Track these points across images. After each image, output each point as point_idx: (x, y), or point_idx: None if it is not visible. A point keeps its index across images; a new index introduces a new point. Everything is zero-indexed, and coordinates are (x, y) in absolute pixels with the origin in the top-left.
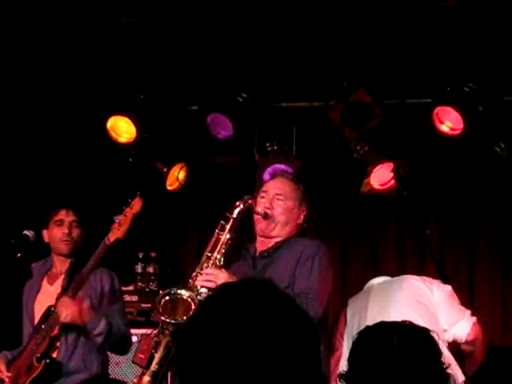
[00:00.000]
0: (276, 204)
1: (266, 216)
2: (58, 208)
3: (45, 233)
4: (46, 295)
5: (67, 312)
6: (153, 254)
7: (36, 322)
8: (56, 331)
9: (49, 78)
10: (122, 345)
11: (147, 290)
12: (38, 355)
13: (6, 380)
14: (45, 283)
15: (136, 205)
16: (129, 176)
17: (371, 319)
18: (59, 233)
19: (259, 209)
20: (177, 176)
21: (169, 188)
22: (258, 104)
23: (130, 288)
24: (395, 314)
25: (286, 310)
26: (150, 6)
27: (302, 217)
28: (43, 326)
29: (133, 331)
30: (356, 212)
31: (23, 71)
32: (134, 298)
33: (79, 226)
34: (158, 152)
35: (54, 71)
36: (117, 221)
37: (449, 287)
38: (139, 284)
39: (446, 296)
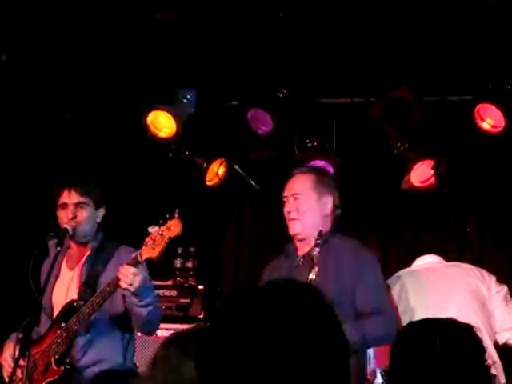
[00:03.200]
0: (296, 204)
1: (292, 220)
2: (60, 188)
3: (57, 214)
4: (64, 282)
5: (132, 281)
6: (192, 249)
7: (54, 311)
8: (77, 327)
9: (91, 72)
10: (155, 323)
11: (186, 285)
12: (57, 357)
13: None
14: (64, 268)
15: (175, 228)
16: (168, 171)
17: (424, 307)
18: (64, 217)
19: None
20: (216, 171)
21: (208, 183)
22: (298, 100)
23: (169, 283)
24: (453, 311)
25: (325, 319)
26: (189, 1)
27: (328, 206)
28: (63, 325)
29: (171, 326)
30: (396, 209)
31: (66, 65)
32: (173, 293)
33: (88, 205)
34: (198, 147)
35: (97, 65)
36: (152, 237)
37: (505, 288)
38: (178, 279)
39: (502, 297)
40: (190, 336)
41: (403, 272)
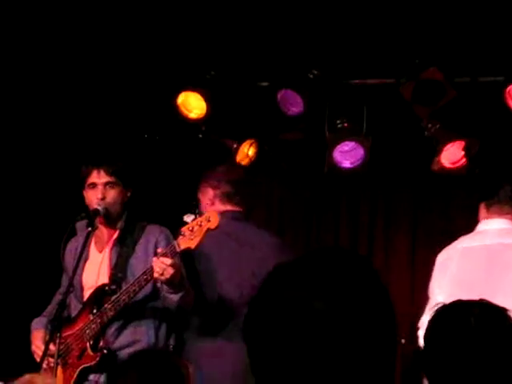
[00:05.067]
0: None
1: None
2: (88, 168)
3: (84, 194)
4: (93, 263)
5: (168, 272)
6: None
7: (84, 293)
8: (112, 313)
9: (122, 54)
10: (188, 305)
11: None
12: (92, 342)
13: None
14: (93, 249)
15: (214, 220)
16: (199, 152)
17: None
18: (93, 197)
19: None
20: (247, 152)
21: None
22: (328, 81)
23: None
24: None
25: (375, 288)
26: None
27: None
28: (95, 309)
29: None
30: (427, 190)
31: (98, 48)
32: None
33: (117, 185)
34: (228, 128)
35: (126, 47)
36: (189, 228)
37: None
38: None
39: None
40: None
41: (460, 247)
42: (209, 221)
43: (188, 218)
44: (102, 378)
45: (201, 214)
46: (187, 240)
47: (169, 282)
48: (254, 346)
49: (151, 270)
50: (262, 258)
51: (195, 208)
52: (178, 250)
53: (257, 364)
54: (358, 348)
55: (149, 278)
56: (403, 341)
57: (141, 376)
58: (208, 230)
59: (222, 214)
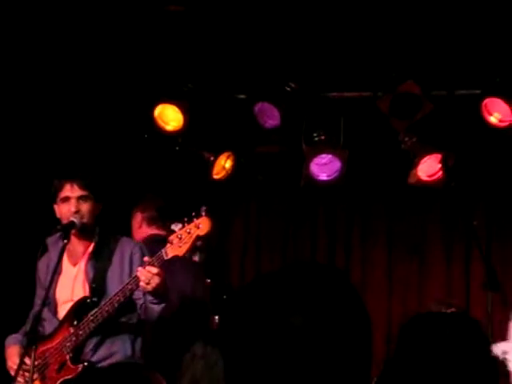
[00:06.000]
0: None
1: None
2: (61, 181)
3: (55, 207)
4: (68, 278)
5: (155, 281)
6: (199, 243)
7: (58, 307)
8: (94, 324)
9: (99, 65)
10: (164, 316)
11: None
12: (72, 355)
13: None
14: (66, 263)
15: (204, 226)
16: (175, 164)
17: None
18: (66, 211)
19: None
20: (223, 165)
21: (215, 177)
22: (305, 93)
23: None
24: None
25: (350, 299)
26: None
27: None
28: (75, 322)
29: None
30: (403, 203)
31: (74, 56)
32: None
33: (90, 199)
34: (205, 141)
35: (104, 59)
36: (178, 236)
37: None
38: None
39: None
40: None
41: None
42: (198, 228)
43: (176, 226)
44: None
45: (190, 223)
46: (175, 248)
47: (154, 292)
48: (230, 359)
49: (136, 279)
50: (182, 281)
51: (184, 217)
52: (165, 257)
53: (233, 378)
54: (334, 360)
55: (134, 287)
56: None
57: None
58: (197, 236)
59: (148, 237)
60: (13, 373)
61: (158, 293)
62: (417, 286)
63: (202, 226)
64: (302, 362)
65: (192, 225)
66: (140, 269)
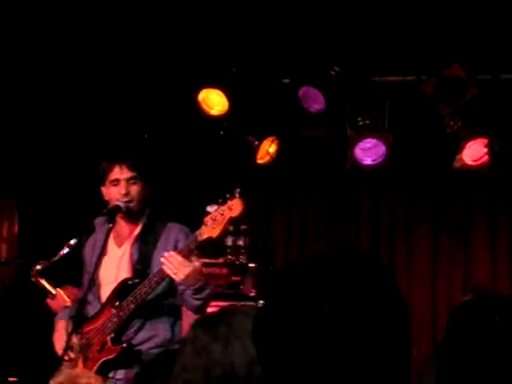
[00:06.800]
0: None
1: None
2: (110, 163)
3: (103, 190)
4: (113, 259)
5: (185, 272)
6: (243, 227)
7: (101, 288)
8: (134, 306)
9: (143, 49)
10: (205, 309)
11: (237, 263)
12: (113, 335)
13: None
14: (111, 244)
15: (236, 208)
16: (220, 149)
17: None
18: (116, 193)
19: None
20: (268, 149)
21: (260, 161)
22: (350, 78)
23: (220, 261)
24: None
25: (385, 288)
26: None
27: None
28: (118, 303)
29: (222, 303)
30: (448, 187)
31: (121, 45)
32: (224, 271)
33: (139, 180)
34: (250, 125)
35: (149, 42)
36: (212, 217)
37: None
38: (229, 257)
39: None
40: (217, 318)
41: None
42: (231, 209)
43: (211, 208)
44: (119, 373)
45: (223, 204)
46: (209, 229)
47: (185, 283)
48: (264, 350)
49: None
50: None
51: (219, 198)
52: (200, 239)
53: (268, 369)
54: (365, 353)
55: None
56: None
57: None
58: (230, 218)
59: None
60: (57, 348)
61: (188, 283)
62: (462, 271)
63: (234, 207)
64: (330, 351)
65: (225, 206)
66: (165, 254)
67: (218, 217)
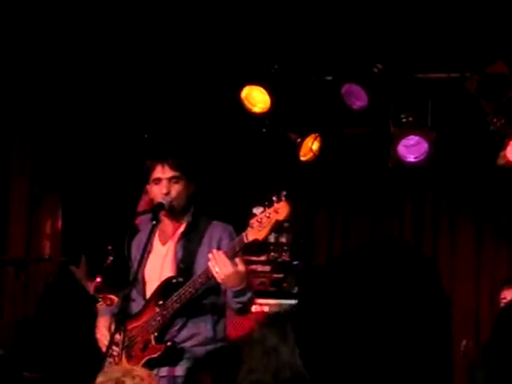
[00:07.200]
0: None
1: None
2: (153, 162)
3: (148, 188)
4: (158, 257)
5: (226, 272)
6: (286, 224)
7: (146, 286)
8: (178, 305)
9: (186, 50)
10: (247, 312)
11: (280, 260)
12: (157, 334)
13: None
14: (156, 242)
15: (283, 211)
16: (263, 146)
17: None
18: (158, 192)
19: None
20: (310, 146)
21: (302, 158)
22: (393, 75)
23: (263, 258)
24: None
25: (426, 280)
26: None
27: None
28: (161, 302)
29: (265, 301)
30: (492, 184)
31: (163, 44)
32: (267, 268)
33: (182, 179)
34: (292, 122)
35: (192, 41)
36: (258, 219)
37: None
38: (272, 254)
39: None
40: (287, 318)
41: None
42: (277, 212)
43: (257, 210)
44: (163, 371)
45: (270, 207)
46: (255, 231)
47: (226, 284)
48: (305, 343)
49: None
50: None
51: (265, 200)
52: (245, 241)
53: (309, 361)
54: (406, 347)
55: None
56: (464, 342)
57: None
58: (276, 221)
59: None
60: (101, 345)
61: (229, 285)
62: (506, 270)
63: (280, 210)
64: (370, 343)
65: (272, 209)
66: (213, 252)
67: (264, 219)
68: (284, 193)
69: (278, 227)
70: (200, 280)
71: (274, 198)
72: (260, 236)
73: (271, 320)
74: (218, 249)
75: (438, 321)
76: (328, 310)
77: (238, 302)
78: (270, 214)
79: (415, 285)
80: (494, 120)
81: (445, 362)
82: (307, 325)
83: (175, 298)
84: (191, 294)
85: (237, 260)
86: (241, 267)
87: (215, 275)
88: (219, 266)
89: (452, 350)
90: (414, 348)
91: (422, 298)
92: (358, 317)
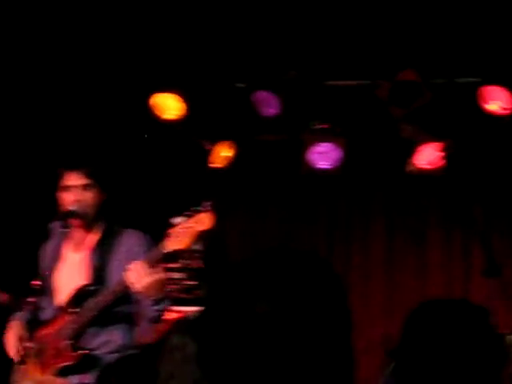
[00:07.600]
0: None
1: None
2: (63, 170)
3: (57, 195)
4: (70, 265)
5: (143, 282)
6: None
7: (57, 294)
8: (95, 313)
9: (97, 56)
10: (158, 321)
11: (192, 267)
12: (72, 342)
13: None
14: (68, 250)
15: (207, 222)
16: (174, 153)
17: None
18: (67, 199)
19: None
20: (221, 154)
21: (212, 165)
22: (305, 82)
23: (176, 265)
24: None
25: (324, 286)
26: None
27: None
28: (75, 309)
29: (178, 308)
30: (401, 191)
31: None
32: (180, 275)
33: (91, 188)
34: (204, 129)
35: (102, 48)
36: (178, 229)
37: None
38: (184, 261)
39: None
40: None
41: None
42: (200, 223)
43: (176, 220)
44: (74, 378)
45: (191, 217)
46: (174, 242)
47: (143, 293)
48: (204, 350)
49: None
50: None
51: (185, 210)
52: (163, 251)
53: (208, 368)
54: (304, 351)
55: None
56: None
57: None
58: (199, 231)
59: None
60: (9, 350)
61: (149, 294)
62: (416, 274)
63: (203, 221)
64: (269, 352)
65: (193, 220)
66: (133, 263)
67: (185, 230)
68: (207, 203)
69: (203, 237)
70: (118, 288)
71: (196, 208)
72: (181, 246)
73: (190, 327)
74: (133, 257)
75: (335, 322)
76: (222, 319)
77: (157, 310)
78: (191, 224)
79: (309, 290)
80: (404, 127)
81: (344, 362)
82: (203, 333)
83: (91, 306)
84: (108, 303)
85: (156, 269)
86: (160, 276)
87: (133, 285)
88: (140, 276)
89: (353, 362)
90: (310, 351)
91: (319, 309)
92: (252, 328)
